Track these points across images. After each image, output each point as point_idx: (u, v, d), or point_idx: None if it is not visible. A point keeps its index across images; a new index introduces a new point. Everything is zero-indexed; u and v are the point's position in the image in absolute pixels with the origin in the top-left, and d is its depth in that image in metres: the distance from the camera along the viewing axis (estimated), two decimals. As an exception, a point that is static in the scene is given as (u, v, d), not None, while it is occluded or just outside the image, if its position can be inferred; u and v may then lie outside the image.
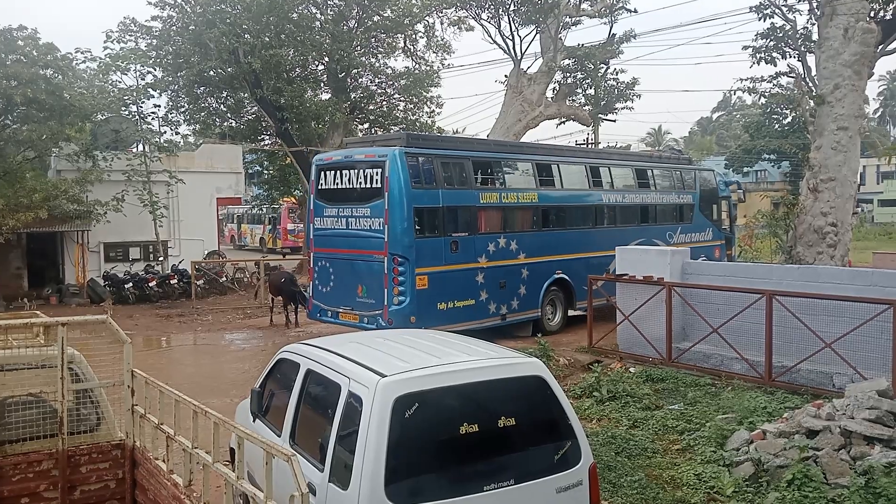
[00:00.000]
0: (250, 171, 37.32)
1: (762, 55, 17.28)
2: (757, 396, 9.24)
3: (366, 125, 31.66)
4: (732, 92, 73.26)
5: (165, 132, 26.79)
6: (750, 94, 20.69)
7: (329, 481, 4.30)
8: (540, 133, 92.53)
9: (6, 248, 21.57)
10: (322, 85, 29.60)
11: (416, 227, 12.32)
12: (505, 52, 25.54)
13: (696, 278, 11.89)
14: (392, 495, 4.01)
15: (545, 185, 14.82)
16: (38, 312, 6.92)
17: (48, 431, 5.29)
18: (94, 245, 23.54)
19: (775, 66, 17.44)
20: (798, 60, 17.18)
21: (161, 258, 23.93)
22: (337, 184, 13.22)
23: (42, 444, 5.29)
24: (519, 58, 25.38)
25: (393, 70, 29.23)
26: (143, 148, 24.06)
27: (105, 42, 23.79)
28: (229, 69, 25.06)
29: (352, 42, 26.46)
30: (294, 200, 36.57)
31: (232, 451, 6.01)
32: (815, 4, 16.00)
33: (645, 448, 7.88)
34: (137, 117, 24.20)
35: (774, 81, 18.29)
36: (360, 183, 12.71)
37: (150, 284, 22.16)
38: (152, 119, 25.05)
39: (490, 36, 25.63)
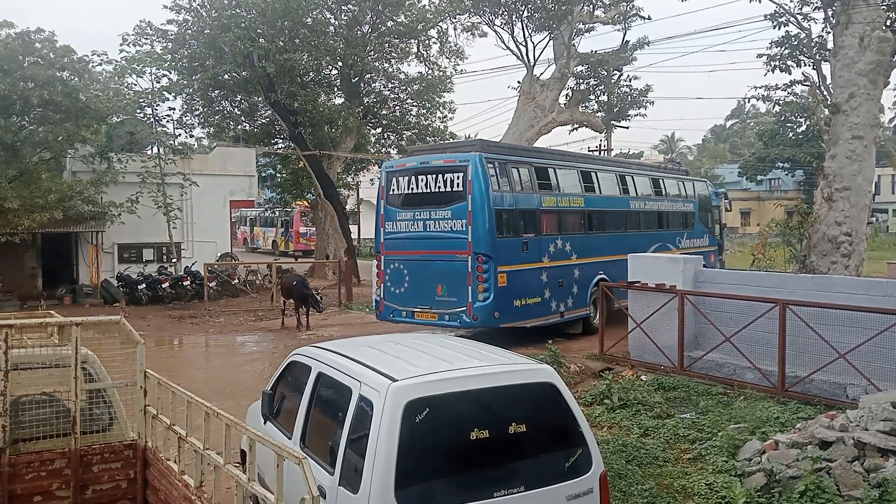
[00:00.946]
0: (263, 175, 37.51)
1: (777, 63, 17.18)
2: (769, 406, 9.17)
3: (378, 130, 31.81)
4: (746, 100, 72.65)
5: (180, 135, 27.12)
6: (764, 103, 20.62)
7: (339, 485, 4.30)
8: (552, 139, 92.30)
9: (21, 249, 21.76)
10: (335, 89, 29.78)
11: (497, 228, 12.98)
12: (518, 58, 25.58)
13: (708, 286, 11.82)
14: (402, 500, 4.00)
15: (588, 190, 15.69)
16: (52, 312, 6.97)
17: (61, 430, 5.32)
18: (108, 246, 23.73)
19: (790, 74, 17.37)
20: (813, 69, 17.08)
21: (174, 260, 24.07)
22: (412, 188, 13.71)
23: (55, 443, 5.32)
24: (532, 64, 25.40)
25: (406, 75, 29.39)
26: (158, 150, 24.26)
27: (121, 45, 24.12)
28: (244, 73, 25.25)
29: (365, 47, 26.59)
30: (306, 204, 36.74)
31: (243, 452, 6.02)
32: (830, 13, 15.90)
33: (656, 457, 7.82)
34: (152, 120, 24.39)
35: (789, 90, 18.25)
36: (440, 187, 13.27)
37: (163, 286, 22.30)
38: (167, 122, 25.32)
39: (503, 42, 25.69)
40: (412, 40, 28.41)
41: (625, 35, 25.99)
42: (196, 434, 4.76)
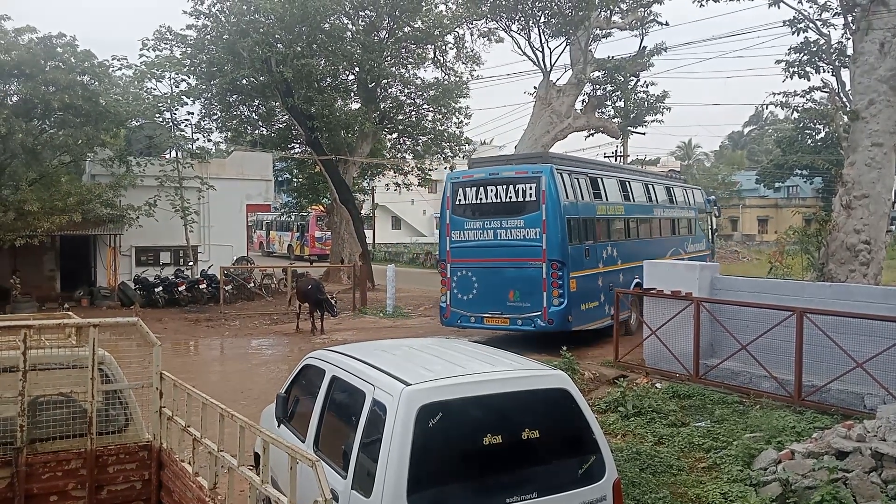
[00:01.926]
0: (280, 179, 37.72)
1: (795, 69, 17.01)
2: (786, 416, 9.09)
3: (394, 135, 31.91)
4: (765, 106, 72.31)
5: (198, 139, 27.29)
6: (782, 109, 20.39)
7: (352, 489, 4.31)
8: (568, 145, 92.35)
9: (40, 251, 22.01)
10: (352, 95, 29.92)
11: (568, 236, 13.44)
12: (534, 63, 25.50)
13: (724, 294, 11.73)
14: (414, 504, 4.00)
15: (626, 199, 16.26)
16: (70, 313, 7.04)
17: (77, 431, 5.35)
18: (126, 249, 23.93)
19: (809, 80, 17.15)
20: (832, 75, 16.88)
21: (191, 263, 24.24)
22: (480, 199, 14.07)
23: (71, 444, 5.35)
24: (548, 69, 25.33)
25: (422, 80, 29.46)
26: (176, 154, 24.46)
27: (141, 50, 24.38)
28: (261, 78, 25.41)
29: (382, 52, 26.69)
30: (322, 208, 36.90)
31: (256, 455, 6.04)
32: (850, 19, 15.73)
33: (670, 465, 7.77)
34: (171, 124, 24.64)
35: (808, 96, 18.07)
36: (511, 197, 13.67)
37: (180, 289, 22.48)
38: (185, 126, 25.58)
39: (520, 48, 25.61)
40: (429, 46, 28.47)
41: (642, 41, 25.84)
42: (211, 436, 4.79)
